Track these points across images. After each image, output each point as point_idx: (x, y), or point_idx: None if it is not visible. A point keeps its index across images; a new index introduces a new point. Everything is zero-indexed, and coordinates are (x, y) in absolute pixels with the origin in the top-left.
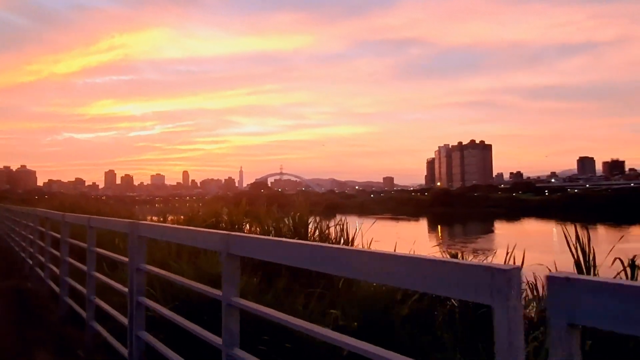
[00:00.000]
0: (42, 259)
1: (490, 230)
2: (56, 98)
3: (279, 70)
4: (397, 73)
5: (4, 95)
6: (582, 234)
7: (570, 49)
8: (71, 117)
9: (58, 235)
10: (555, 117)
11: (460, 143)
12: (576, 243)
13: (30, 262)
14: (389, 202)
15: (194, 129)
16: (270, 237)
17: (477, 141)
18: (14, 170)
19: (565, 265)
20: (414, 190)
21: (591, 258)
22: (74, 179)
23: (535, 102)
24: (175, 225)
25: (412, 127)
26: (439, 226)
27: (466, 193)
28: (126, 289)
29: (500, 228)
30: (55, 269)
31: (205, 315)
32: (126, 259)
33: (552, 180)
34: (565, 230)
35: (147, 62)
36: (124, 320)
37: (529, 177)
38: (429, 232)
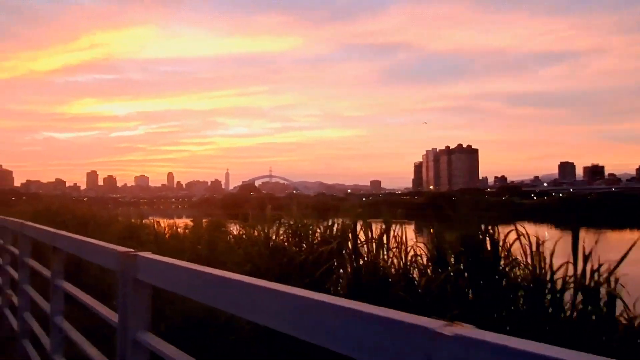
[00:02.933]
0: None
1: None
2: (34, 96)
3: (266, 72)
4: (383, 77)
5: None
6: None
7: (551, 57)
8: (51, 116)
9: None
10: (535, 122)
11: (447, 147)
12: None
13: None
14: (382, 205)
15: (179, 130)
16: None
17: (464, 145)
18: None
19: None
20: (402, 194)
21: None
22: (54, 180)
23: (517, 108)
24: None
25: (397, 131)
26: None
27: (457, 196)
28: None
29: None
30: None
31: None
32: None
33: (545, 184)
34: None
35: (131, 62)
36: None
37: (512, 181)
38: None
